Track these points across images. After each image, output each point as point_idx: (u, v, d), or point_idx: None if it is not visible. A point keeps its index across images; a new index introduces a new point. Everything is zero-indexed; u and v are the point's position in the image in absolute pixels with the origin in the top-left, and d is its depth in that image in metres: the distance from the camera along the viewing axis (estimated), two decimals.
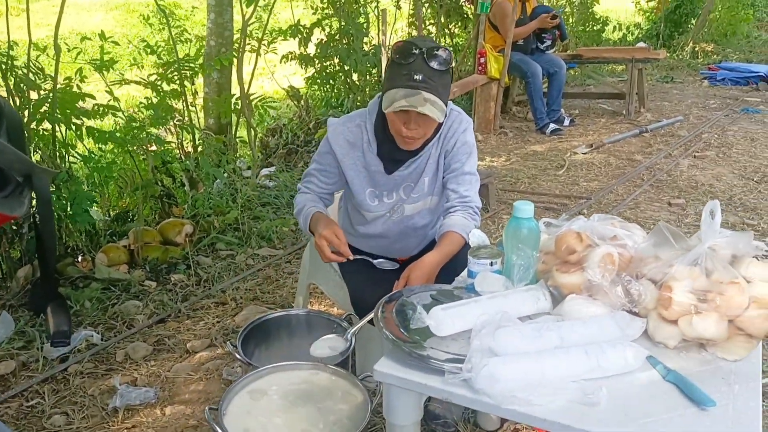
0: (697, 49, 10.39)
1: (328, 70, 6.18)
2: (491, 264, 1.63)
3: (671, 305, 1.38)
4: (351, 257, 1.87)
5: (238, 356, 1.87)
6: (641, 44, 8.11)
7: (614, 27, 11.31)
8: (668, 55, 9.94)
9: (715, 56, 10.12)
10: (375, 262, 2.01)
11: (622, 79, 7.72)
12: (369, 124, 1.95)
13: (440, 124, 1.91)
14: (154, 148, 4.09)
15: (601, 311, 1.47)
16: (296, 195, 2.09)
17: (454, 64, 7.09)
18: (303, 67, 6.23)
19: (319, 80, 6.22)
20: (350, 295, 2.08)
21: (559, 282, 1.54)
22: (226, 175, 4.55)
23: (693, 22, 10.99)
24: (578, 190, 4.36)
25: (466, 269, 1.69)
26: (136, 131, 3.74)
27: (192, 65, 4.55)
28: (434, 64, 1.74)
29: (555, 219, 1.68)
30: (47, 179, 1.69)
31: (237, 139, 5.52)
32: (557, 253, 1.58)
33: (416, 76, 1.72)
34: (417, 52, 1.73)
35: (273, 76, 6.97)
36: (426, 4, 7.72)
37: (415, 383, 1.33)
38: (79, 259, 3.31)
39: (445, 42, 7.76)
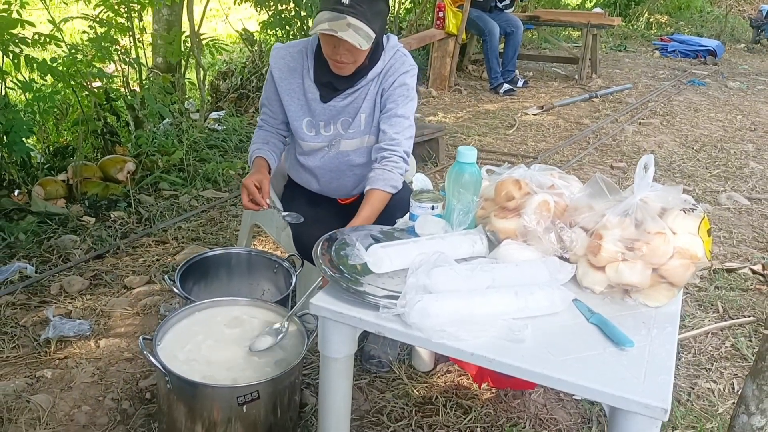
0: (651, 19, 10.56)
1: (283, 15, 6.02)
2: (432, 208, 1.65)
3: (600, 252, 1.44)
4: (265, 206, 1.86)
5: (175, 290, 1.86)
6: (598, 10, 8.17)
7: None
8: (623, 24, 10.07)
9: (668, 28, 10.31)
10: (283, 214, 1.95)
11: (577, 45, 7.79)
12: (310, 50, 1.92)
13: (377, 56, 1.89)
14: (98, 84, 3.94)
15: (534, 256, 1.51)
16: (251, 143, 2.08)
17: (413, 17, 7.00)
18: (257, 10, 6.05)
19: (273, 24, 6.05)
20: (293, 236, 2.08)
21: (497, 227, 1.57)
22: (172, 114, 4.43)
23: None
24: (526, 150, 4.43)
25: (408, 213, 1.70)
26: (79, 65, 3.58)
27: None
28: None
29: (497, 167, 1.71)
30: None
31: (186, 80, 5.36)
32: (496, 199, 1.61)
33: (344, 0, 1.70)
34: None
35: (227, 18, 6.75)
36: None
37: (350, 317, 1.35)
38: (15, 192, 3.20)
39: None
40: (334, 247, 1.53)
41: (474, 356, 1.26)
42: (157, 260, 2.71)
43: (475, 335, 1.28)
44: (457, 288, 1.36)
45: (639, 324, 1.37)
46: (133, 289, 2.48)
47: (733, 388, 2.07)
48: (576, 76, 6.52)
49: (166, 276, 2.03)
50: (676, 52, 8.35)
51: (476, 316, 1.31)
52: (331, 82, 1.90)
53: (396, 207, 1.88)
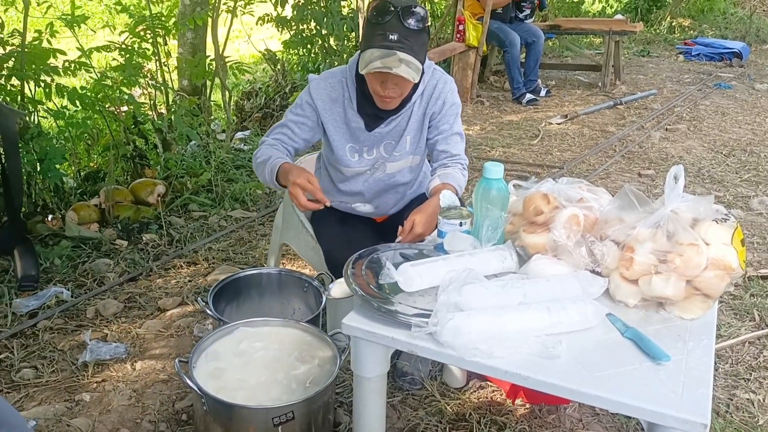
0: (674, 23, 10.44)
1: (304, 34, 6.10)
2: (460, 224, 1.65)
3: (632, 265, 1.43)
4: (328, 203, 1.81)
5: (209, 312, 1.89)
6: (619, 17, 8.12)
7: (594, 12, 11.32)
8: (645, 29, 9.98)
9: (691, 31, 10.18)
10: (353, 206, 1.99)
11: (599, 52, 7.75)
12: (350, 80, 1.94)
13: (418, 82, 1.92)
14: (126, 109, 4.03)
15: (565, 270, 1.51)
16: (258, 147, 1.98)
17: (433, 31, 7.04)
18: (279, 29, 6.14)
19: (295, 44, 6.13)
20: (324, 255, 2.10)
21: (526, 242, 1.57)
22: (199, 136, 4.50)
23: None
24: (551, 160, 4.41)
25: (436, 230, 1.71)
26: (107, 91, 3.67)
27: (164, 23, 4.46)
28: (410, 23, 1.72)
29: (524, 181, 1.71)
30: (14, 118, 1.65)
31: (211, 102, 5.45)
32: (525, 214, 1.61)
33: (391, 36, 1.71)
34: (393, 10, 1.72)
35: (250, 39, 6.85)
36: None
37: (382, 336, 1.36)
38: (49, 218, 3.27)
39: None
40: (364, 267, 1.54)
41: (508, 374, 1.26)
42: (189, 281, 2.74)
43: (509, 352, 1.28)
44: (488, 305, 1.36)
45: (674, 337, 1.35)
46: (167, 311, 2.52)
47: None
48: (599, 84, 6.47)
49: (199, 298, 2.06)
50: (700, 56, 8.24)
51: (509, 332, 1.30)
52: (376, 112, 1.92)
53: None
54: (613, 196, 1.68)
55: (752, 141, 4.83)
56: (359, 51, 1.86)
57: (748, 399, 2.03)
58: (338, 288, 1.62)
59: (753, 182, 3.97)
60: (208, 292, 1.98)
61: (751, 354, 2.27)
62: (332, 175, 2.11)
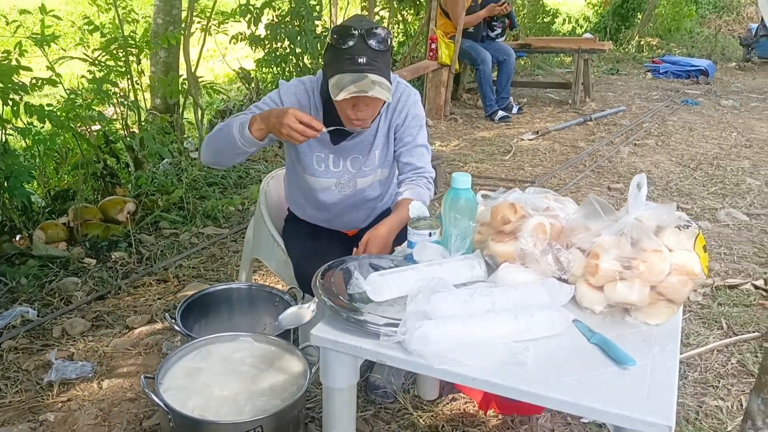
0: (642, 42, 10.70)
1: (278, 53, 6.11)
2: (430, 234, 1.66)
3: (598, 272, 1.44)
4: (324, 128, 1.74)
5: (176, 327, 1.86)
6: (588, 36, 8.29)
7: (564, 19, 11.55)
8: (614, 47, 10.21)
9: (659, 50, 10.44)
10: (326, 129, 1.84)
11: (569, 70, 7.89)
12: (317, 91, 1.93)
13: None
14: (97, 127, 3.99)
15: (533, 278, 1.52)
16: (215, 129, 1.90)
17: (406, 49, 7.10)
18: (253, 48, 6.15)
19: (269, 62, 6.14)
20: (294, 268, 2.08)
21: (494, 251, 1.58)
22: (171, 154, 4.47)
23: (639, 16, 11.30)
24: (523, 175, 4.46)
25: (406, 240, 1.71)
26: (78, 109, 3.63)
27: (136, 42, 4.45)
28: (374, 44, 1.73)
29: (492, 192, 1.72)
30: None
31: (184, 120, 5.43)
32: (492, 224, 1.62)
33: (360, 59, 1.71)
34: (356, 33, 1.72)
35: (224, 58, 6.85)
36: None
37: (351, 346, 1.35)
38: (17, 237, 3.21)
39: (397, 27, 7.78)
40: (333, 277, 1.53)
41: (476, 381, 1.26)
42: (159, 299, 2.71)
43: (477, 360, 1.28)
44: (457, 313, 1.36)
45: (640, 342, 1.36)
46: (135, 328, 2.48)
47: (741, 405, 2.05)
48: (570, 101, 6.58)
49: (167, 314, 2.03)
50: (668, 73, 8.44)
51: (477, 340, 1.31)
52: (341, 128, 1.91)
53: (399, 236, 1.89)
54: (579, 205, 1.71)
55: (718, 155, 4.94)
56: (323, 75, 1.86)
57: (716, 406, 2.05)
58: (289, 318, 1.64)
59: (719, 195, 4.06)
60: (176, 309, 1.95)
61: (719, 362, 2.30)
62: (302, 188, 2.10)
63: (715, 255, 3.16)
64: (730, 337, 2.43)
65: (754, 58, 9.81)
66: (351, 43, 1.72)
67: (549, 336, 1.36)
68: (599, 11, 12.05)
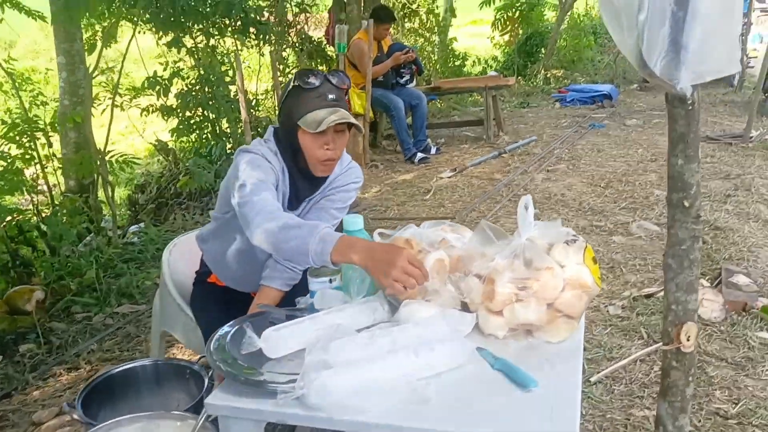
0: (548, 75, 11.18)
1: (193, 120, 6.06)
2: (330, 281, 1.63)
3: (495, 297, 1.43)
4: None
5: (75, 416, 1.73)
6: (492, 74, 8.61)
7: (473, 61, 12.00)
8: (523, 82, 10.64)
9: (565, 80, 10.92)
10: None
11: (483, 108, 8.13)
12: (278, 153, 1.85)
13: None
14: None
15: (437, 311, 1.49)
16: (249, 210, 1.63)
17: None
18: (165, 118, 6.09)
19: (182, 131, 6.06)
20: (203, 335, 2.00)
21: None
22: (85, 235, 4.32)
23: (543, 51, 11.85)
24: (444, 212, 4.50)
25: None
26: None
27: (40, 125, 4.35)
28: (337, 82, 1.78)
29: (387, 230, 1.71)
30: None
31: (99, 200, 5.28)
32: None
33: (330, 96, 1.75)
34: (320, 74, 1.77)
35: (143, 134, 6.73)
36: (287, 49, 7.83)
37: (249, 410, 1.28)
38: None
39: None
40: (228, 340, 1.47)
41: (379, 427, 1.21)
42: (69, 388, 2.55)
43: (379, 403, 1.23)
44: (357, 357, 1.32)
45: (543, 362, 1.35)
46: (42, 424, 2.31)
47: None
48: (484, 136, 6.76)
49: (65, 404, 1.90)
50: (574, 101, 8.81)
51: (378, 383, 1.26)
52: (300, 191, 1.87)
53: (295, 288, 1.84)
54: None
55: (627, 171, 5.14)
56: (284, 123, 1.81)
57: (643, 416, 2.06)
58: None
59: (630, 209, 4.20)
60: (77, 397, 1.82)
61: (642, 371, 2.32)
62: (240, 246, 1.95)
63: (630, 267, 3.24)
64: (651, 345, 2.47)
65: None
66: (317, 83, 1.75)
67: (452, 368, 1.34)
68: (506, 50, 12.58)
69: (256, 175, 1.72)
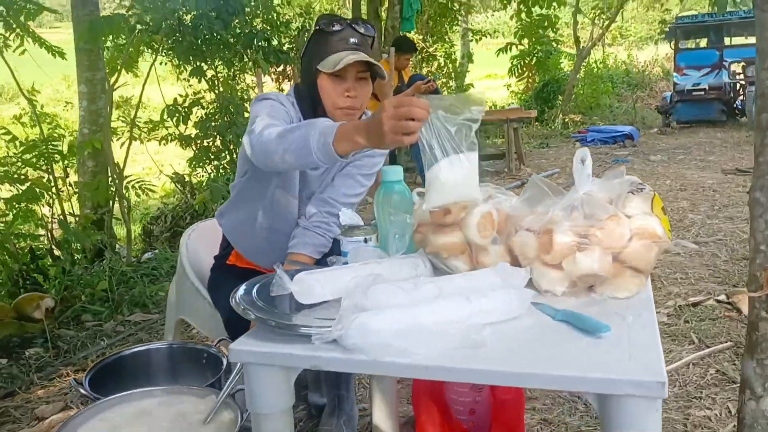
0: (566, 119, 11.16)
1: (211, 150, 6.01)
2: (365, 241, 1.49)
3: (553, 248, 1.29)
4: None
5: (81, 390, 1.57)
6: (514, 106, 8.58)
7: (491, 107, 12.05)
8: (541, 127, 10.61)
9: (583, 125, 10.88)
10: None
11: (503, 144, 8.06)
12: (296, 104, 1.75)
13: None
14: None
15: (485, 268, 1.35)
16: (258, 135, 1.51)
17: None
18: (183, 147, 6.06)
19: (199, 159, 6.01)
20: (222, 319, 1.85)
21: (437, 244, 1.41)
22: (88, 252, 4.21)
23: (560, 98, 11.87)
24: None
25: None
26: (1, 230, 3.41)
27: (57, 147, 4.32)
28: (362, 29, 1.69)
29: None
30: None
31: (114, 235, 5.19)
32: (432, 218, 1.46)
33: (352, 39, 1.67)
34: (343, 20, 1.69)
35: (161, 171, 6.68)
36: None
37: (279, 356, 1.13)
38: None
39: None
40: (256, 289, 1.33)
41: (429, 369, 1.05)
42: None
43: (427, 348, 1.07)
44: (401, 302, 1.17)
45: (611, 315, 1.19)
46: (46, 418, 2.14)
47: (730, 412, 1.87)
48: (505, 169, 6.66)
49: (71, 378, 1.74)
50: (595, 141, 8.72)
51: (426, 325, 1.11)
52: None
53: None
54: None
55: None
56: (306, 69, 1.72)
57: (704, 416, 1.86)
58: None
59: None
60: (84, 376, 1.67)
61: (697, 374, 2.12)
62: (262, 220, 1.84)
63: (671, 280, 3.06)
64: (703, 349, 2.28)
65: (673, 123, 10.30)
66: (341, 27, 1.67)
67: (507, 320, 1.18)
68: (523, 98, 12.63)
69: (268, 119, 1.59)
